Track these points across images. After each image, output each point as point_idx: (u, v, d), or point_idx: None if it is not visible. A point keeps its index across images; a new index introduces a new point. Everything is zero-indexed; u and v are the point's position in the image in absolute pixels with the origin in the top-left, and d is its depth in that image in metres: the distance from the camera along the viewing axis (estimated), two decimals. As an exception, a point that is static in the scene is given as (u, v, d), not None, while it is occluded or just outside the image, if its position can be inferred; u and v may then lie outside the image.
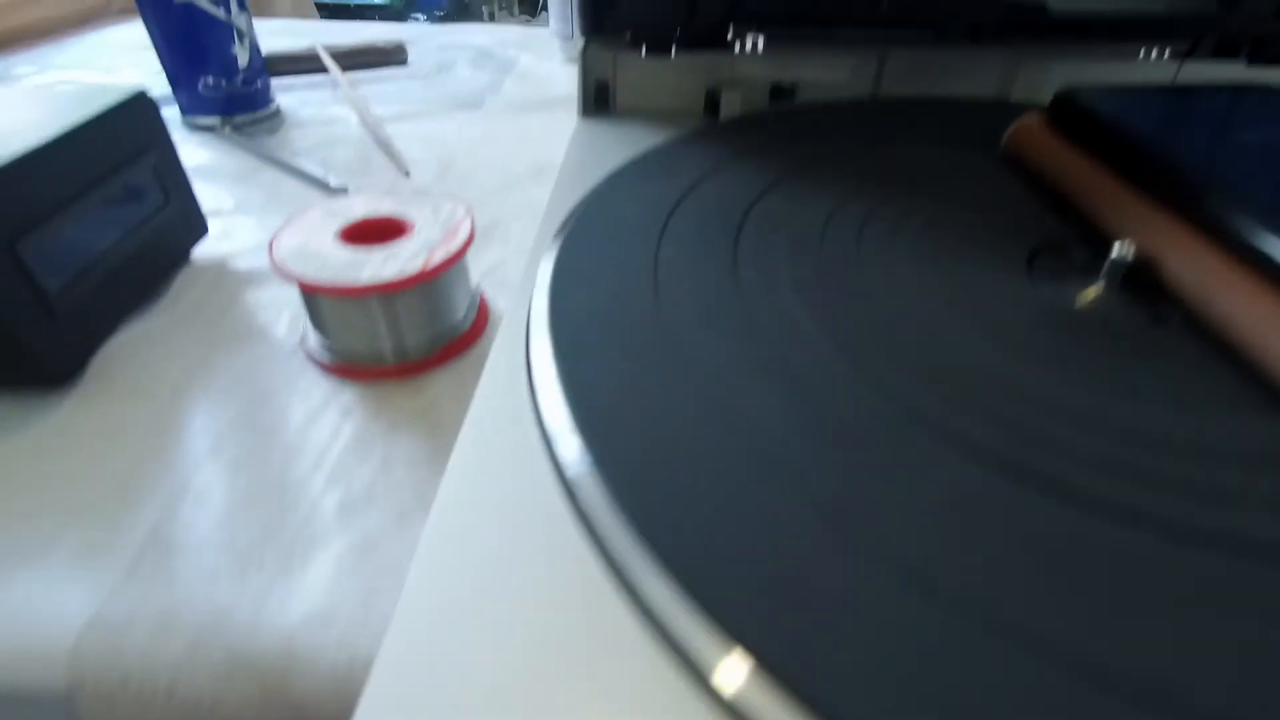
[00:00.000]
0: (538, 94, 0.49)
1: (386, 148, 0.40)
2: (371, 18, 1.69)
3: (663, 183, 0.24)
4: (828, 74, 0.32)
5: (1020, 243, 0.21)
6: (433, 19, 1.70)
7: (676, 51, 0.31)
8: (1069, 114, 0.24)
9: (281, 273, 0.21)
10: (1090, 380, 0.16)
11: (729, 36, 0.30)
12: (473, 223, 0.24)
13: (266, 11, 1.18)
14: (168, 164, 0.27)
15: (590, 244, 0.21)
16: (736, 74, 0.31)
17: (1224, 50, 0.31)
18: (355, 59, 0.52)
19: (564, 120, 0.31)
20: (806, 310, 0.17)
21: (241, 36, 0.41)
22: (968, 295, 0.18)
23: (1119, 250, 0.19)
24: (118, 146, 0.25)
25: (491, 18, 1.89)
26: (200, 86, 0.41)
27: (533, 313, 0.18)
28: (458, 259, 0.23)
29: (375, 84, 0.50)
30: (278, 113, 0.45)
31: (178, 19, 0.39)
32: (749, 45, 0.31)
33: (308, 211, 0.25)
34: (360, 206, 0.25)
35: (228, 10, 0.40)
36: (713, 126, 0.28)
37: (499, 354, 0.18)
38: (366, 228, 0.24)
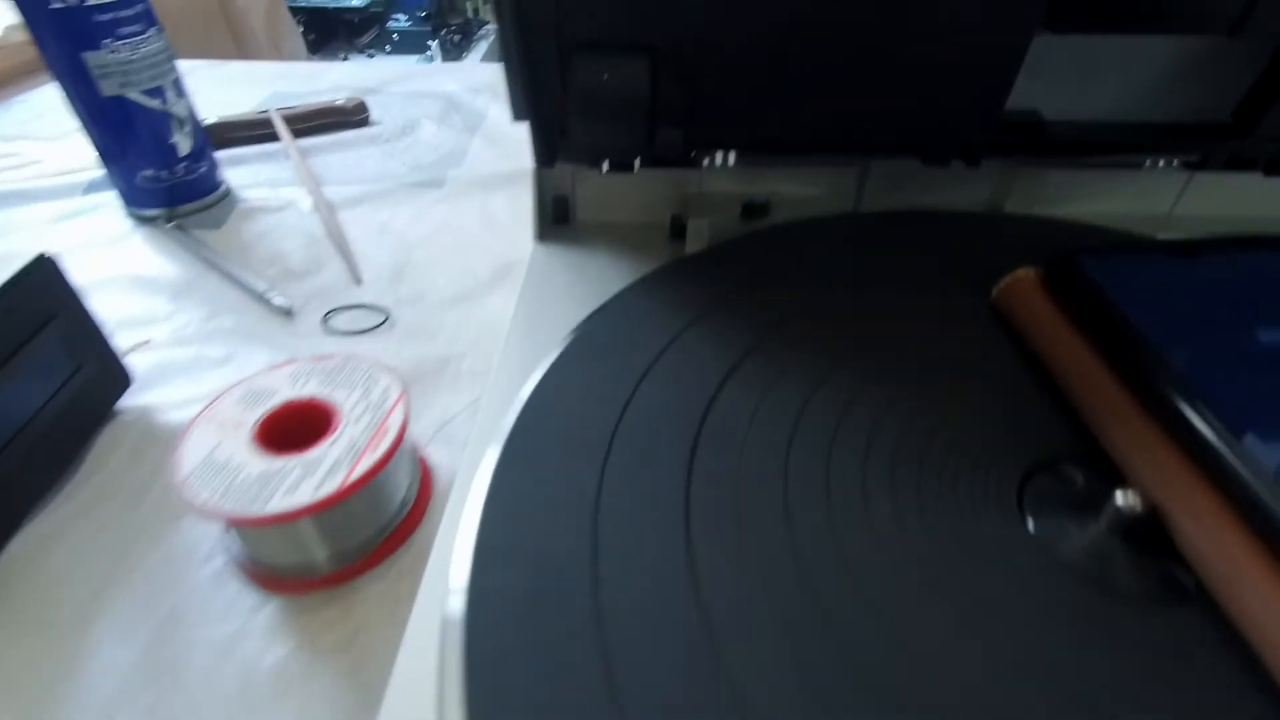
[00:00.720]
0: (505, 161, 0.46)
1: (339, 245, 0.37)
2: (351, 19, 1.64)
3: (615, 363, 0.21)
4: (804, 189, 0.29)
5: (1014, 458, 0.18)
6: (415, 20, 1.65)
7: (640, 167, 0.28)
8: (1064, 283, 0.21)
9: (184, 498, 0.19)
10: (1084, 681, 0.13)
11: (693, 154, 0.28)
12: (406, 408, 0.22)
13: (240, 28, 1.14)
14: (77, 327, 0.25)
15: (528, 469, 0.18)
16: (705, 190, 0.29)
17: (1239, 163, 0.28)
18: (313, 122, 0.49)
19: (530, 199, 0.28)
20: (765, 604, 0.15)
21: (181, 124, 0.38)
22: (953, 549, 0.16)
23: (1122, 500, 0.16)
24: (14, 326, 0.23)
25: (476, 13, 1.84)
26: (138, 179, 0.38)
27: (451, 594, 0.16)
28: (385, 465, 0.20)
29: (333, 153, 0.47)
30: (227, 194, 0.42)
31: (108, 112, 0.36)
32: (719, 160, 0.29)
33: (223, 399, 0.22)
34: (284, 387, 0.23)
35: (163, 100, 0.37)
36: (674, 268, 0.26)
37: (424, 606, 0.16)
38: (288, 419, 0.22)
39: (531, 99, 0.23)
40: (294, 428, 0.22)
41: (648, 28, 0.22)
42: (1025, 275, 0.23)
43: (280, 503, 0.19)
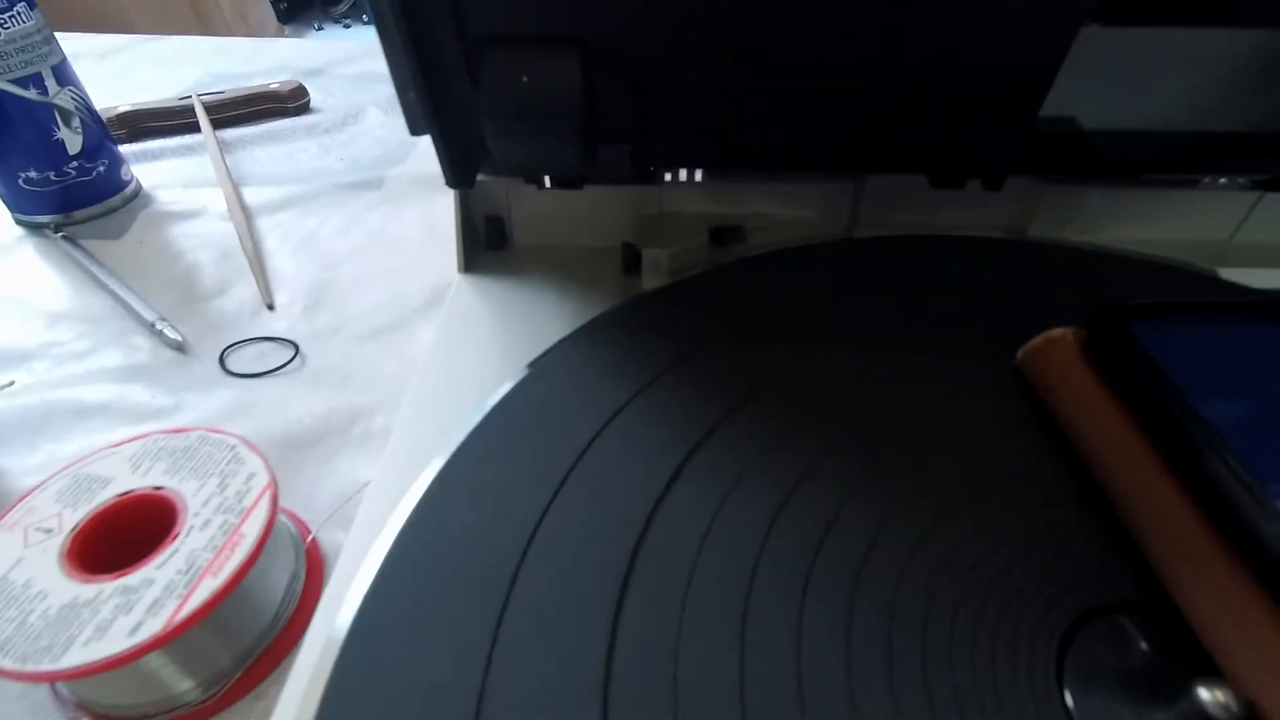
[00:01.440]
0: (458, 156, 0.41)
1: (252, 260, 0.32)
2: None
3: (536, 453, 0.17)
4: (787, 210, 0.24)
5: (1054, 604, 0.14)
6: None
7: (589, 184, 0.23)
8: (1113, 353, 0.16)
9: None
10: None
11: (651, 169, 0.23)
12: (272, 507, 0.17)
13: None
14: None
15: (397, 624, 0.14)
16: (667, 210, 0.24)
17: (1316, 180, 0.23)
18: (242, 110, 0.44)
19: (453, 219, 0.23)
20: None
21: (68, 117, 0.33)
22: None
23: (1209, 697, 0.12)
24: None
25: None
26: (21, 181, 0.33)
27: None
28: (232, 590, 0.16)
29: (263, 146, 0.42)
30: (136, 195, 0.37)
31: (-24, 103, 0.30)
32: (683, 175, 0.24)
33: (40, 493, 0.17)
34: (122, 473, 0.18)
35: (42, 90, 0.31)
36: (624, 313, 0.21)
37: None
38: (118, 521, 0.17)
39: (432, 108, 0.18)
40: (124, 533, 0.17)
41: (577, 14, 0.17)
42: (1061, 338, 0.18)
43: (78, 654, 0.14)
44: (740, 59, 0.17)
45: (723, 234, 0.23)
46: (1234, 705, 0.11)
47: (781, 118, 0.19)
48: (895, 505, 0.15)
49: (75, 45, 0.58)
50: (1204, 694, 0.12)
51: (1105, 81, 0.21)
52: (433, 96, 0.18)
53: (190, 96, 0.43)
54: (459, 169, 0.20)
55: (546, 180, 0.23)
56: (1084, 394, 0.17)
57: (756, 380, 0.18)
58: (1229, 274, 0.23)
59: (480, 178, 0.23)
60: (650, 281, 0.23)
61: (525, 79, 0.17)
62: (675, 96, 0.18)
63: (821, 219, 0.24)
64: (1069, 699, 0.13)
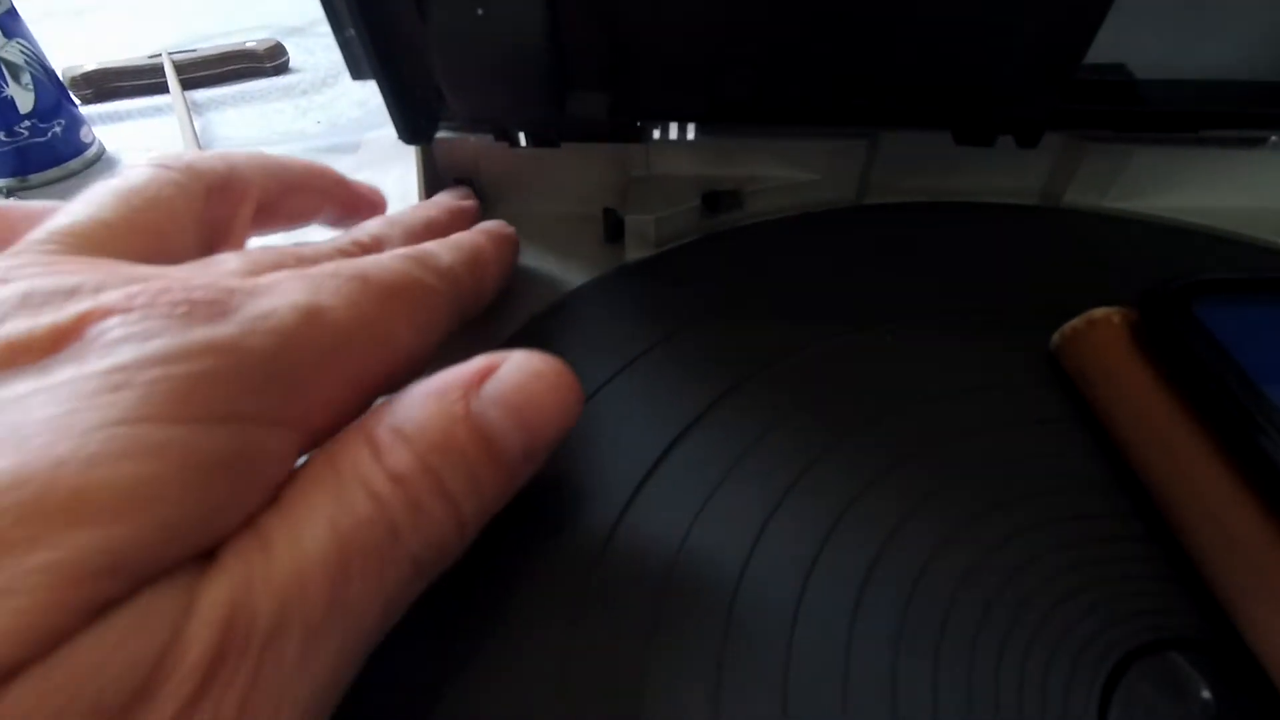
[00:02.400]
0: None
1: (215, 228, 0.30)
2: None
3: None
4: (791, 172, 0.21)
5: (1096, 635, 0.12)
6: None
7: (566, 140, 0.20)
8: (1169, 336, 0.14)
9: None
10: None
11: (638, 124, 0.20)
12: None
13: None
14: None
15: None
16: (655, 172, 0.21)
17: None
18: (216, 70, 0.41)
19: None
20: None
21: (17, 73, 0.30)
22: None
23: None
24: None
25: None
26: (-31, 142, 0.31)
27: None
28: None
29: (237, 107, 0.39)
30: (99, 159, 0.35)
31: (-85, 56, 0.28)
32: (674, 132, 0.21)
33: None
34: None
35: (-15, 40, 0.29)
36: (600, 287, 0.19)
37: None
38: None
39: (375, 48, 0.15)
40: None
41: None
42: (1105, 319, 0.15)
43: None
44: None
45: (716, 199, 0.21)
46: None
47: (777, 60, 0.16)
48: (909, 511, 0.13)
49: (48, 2, 0.55)
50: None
51: (1162, 24, 0.19)
52: (376, 34, 0.15)
53: (160, 55, 0.40)
54: (412, 121, 0.17)
55: (522, 138, 0.21)
56: (1134, 385, 0.14)
57: (751, 361, 0.16)
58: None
59: (444, 134, 0.21)
60: (635, 251, 0.20)
61: (480, 11, 0.15)
62: (653, 33, 0.15)
63: (830, 182, 0.22)
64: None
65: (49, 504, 0.07)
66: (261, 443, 0.09)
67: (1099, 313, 0.15)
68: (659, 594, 0.12)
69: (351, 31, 0.15)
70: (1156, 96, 0.18)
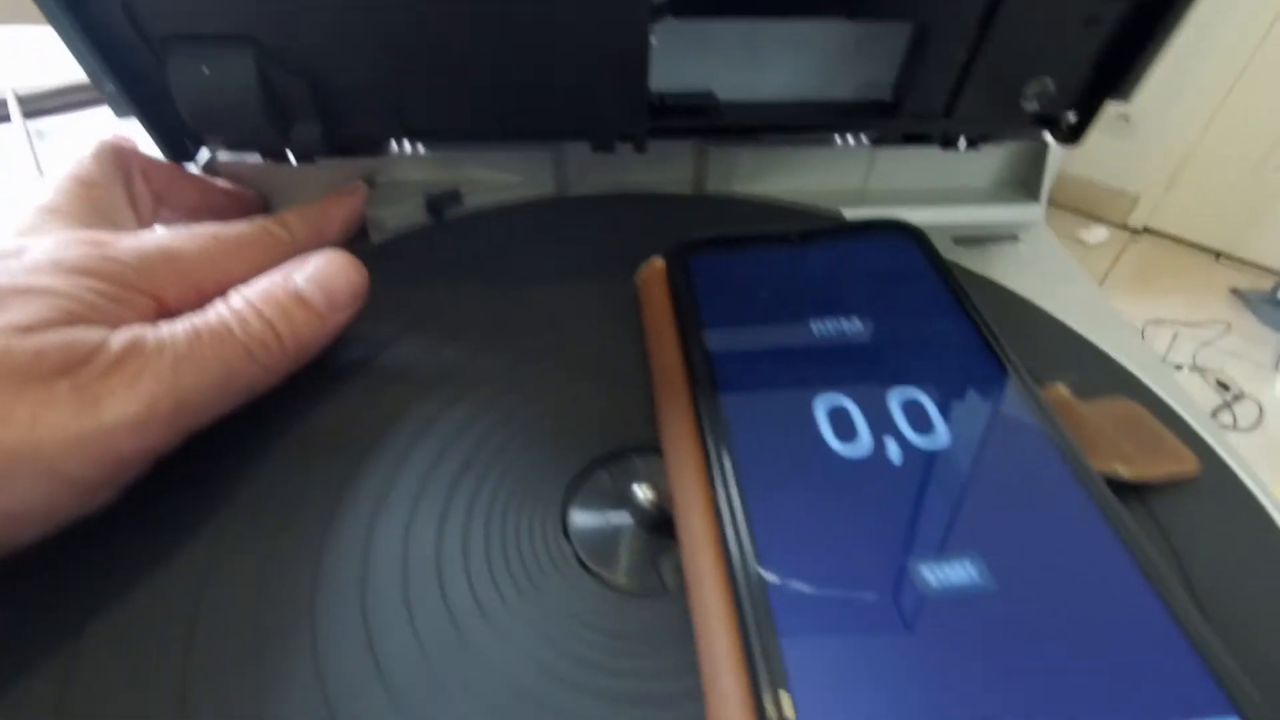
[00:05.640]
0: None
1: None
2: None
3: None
4: (500, 175, 0.29)
5: (584, 451, 0.19)
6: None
7: (321, 156, 0.27)
8: (676, 273, 0.22)
9: None
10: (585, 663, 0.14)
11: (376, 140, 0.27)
12: None
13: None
14: None
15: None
16: (396, 179, 0.28)
17: (916, 137, 0.29)
18: (75, 97, 0.46)
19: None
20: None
21: None
22: (496, 541, 0.17)
23: (640, 493, 0.17)
24: None
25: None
26: None
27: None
28: None
29: (87, 135, 0.44)
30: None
31: None
32: (409, 146, 0.28)
33: None
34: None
35: None
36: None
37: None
38: None
39: (130, 98, 0.22)
40: None
41: (238, 16, 0.21)
42: (656, 264, 0.23)
43: None
44: (387, 48, 0.22)
45: (437, 201, 0.28)
46: (651, 497, 0.17)
47: (438, 96, 0.23)
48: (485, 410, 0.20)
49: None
50: (638, 491, 0.17)
51: (734, 60, 0.27)
52: (130, 87, 0.21)
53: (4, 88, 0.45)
54: (176, 145, 0.24)
55: (292, 157, 0.27)
56: (656, 310, 0.22)
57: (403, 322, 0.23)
58: (856, 213, 0.29)
59: (224, 157, 0.27)
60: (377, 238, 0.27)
61: (206, 71, 0.21)
62: (338, 77, 0.22)
63: (532, 182, 0.29)
64: (570, 511, 0.18)
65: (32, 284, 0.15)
66: (130, 299, 0.17)
67: (657, 260, 0.23)
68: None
69: (110, 86, 0.21)
70: (734, 113, 0.26)
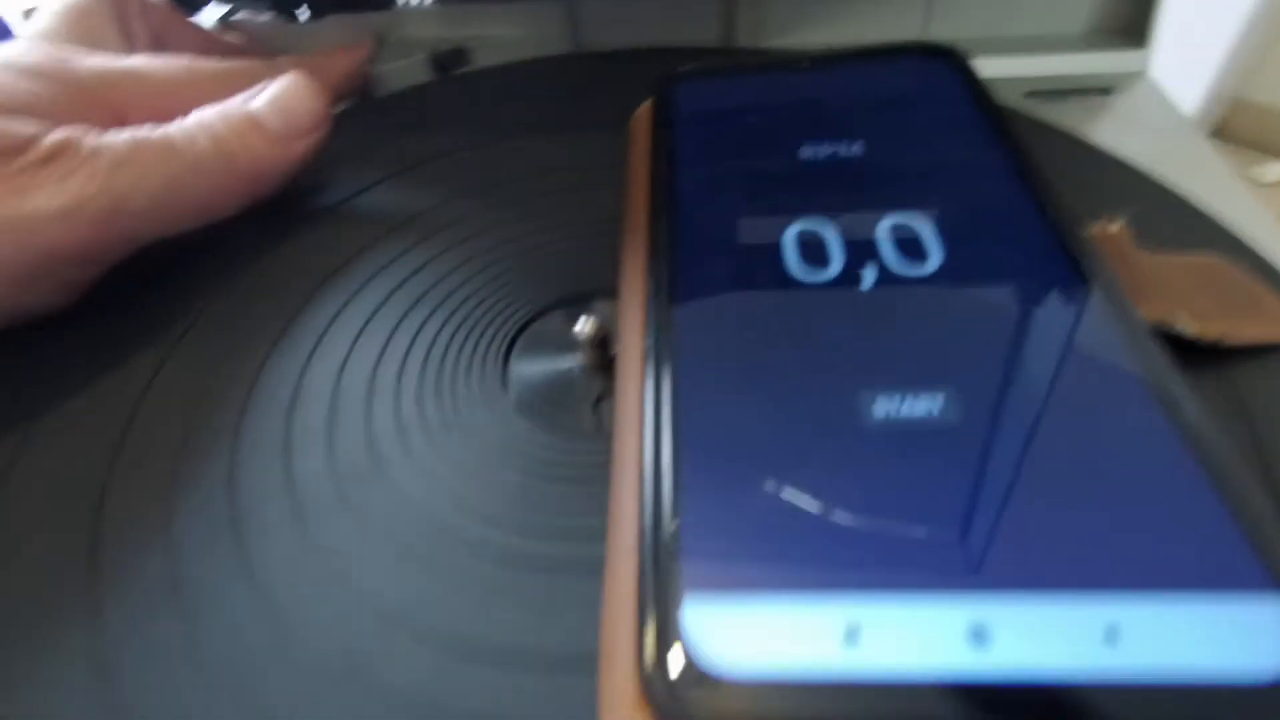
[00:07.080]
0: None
1: None
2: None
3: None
4: (511, 30, 0.27)
5: (546, 293, 0.17)
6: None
7: (324, 13, 0.26)
8: (663, 106, 0.19)
9: None
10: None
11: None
12: None
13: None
14: None
15: None
16: (403, 36, 0.27)
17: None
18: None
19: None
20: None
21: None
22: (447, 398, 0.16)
23: (580, 326, 0.15)
24: None
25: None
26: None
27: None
28: None
29: None
30: None
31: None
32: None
33: None
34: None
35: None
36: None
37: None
38: None
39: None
40: None
41: None
42: (647, 102, 0.20)
43: None
44: None
45: (443, 59, 0.26)
46: (590, 331, 0.15)
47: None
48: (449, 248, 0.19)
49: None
50: (580, 323, 0.15)
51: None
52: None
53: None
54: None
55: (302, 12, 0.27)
56: (639, 150, 0.19)
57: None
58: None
59: (240, 18, 0.26)
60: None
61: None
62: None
63: (545, 37, 0.27)
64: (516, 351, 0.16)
65: None
66: (82, 109, 0.17)
67: (647, 104, 0.21)
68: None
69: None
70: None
